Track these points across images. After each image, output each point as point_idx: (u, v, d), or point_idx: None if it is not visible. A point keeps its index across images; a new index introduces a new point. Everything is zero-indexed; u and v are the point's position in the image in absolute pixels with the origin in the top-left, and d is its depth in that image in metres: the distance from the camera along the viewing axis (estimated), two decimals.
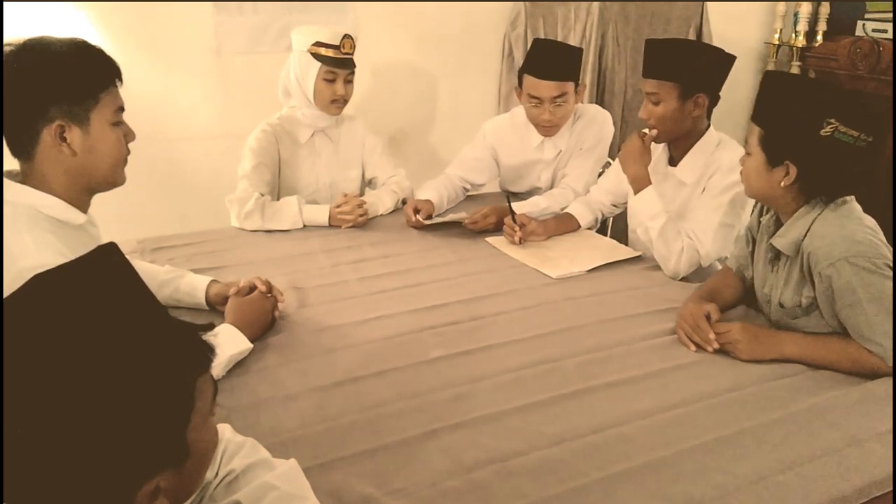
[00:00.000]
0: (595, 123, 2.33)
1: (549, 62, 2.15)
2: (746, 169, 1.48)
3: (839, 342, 1.39)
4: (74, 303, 0.61)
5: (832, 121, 1.30)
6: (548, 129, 2.26)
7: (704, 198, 1.86)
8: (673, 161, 1.95)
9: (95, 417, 0.58)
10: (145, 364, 0.61)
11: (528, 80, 2.18)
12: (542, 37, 3.01)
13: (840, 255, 1.33)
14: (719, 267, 1.89)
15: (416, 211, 2.14)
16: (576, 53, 2.22)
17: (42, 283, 0.62)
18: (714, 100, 1.86)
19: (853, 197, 1.43)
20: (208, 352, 0.69)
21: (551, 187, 2.40)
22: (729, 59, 1.85)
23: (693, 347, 1.45)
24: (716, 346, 1.43)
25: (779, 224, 1.50)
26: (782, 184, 1.40)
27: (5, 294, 1.15)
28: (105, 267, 0.65)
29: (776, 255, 1.49)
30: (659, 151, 1.99)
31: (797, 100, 1.35)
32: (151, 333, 0.64)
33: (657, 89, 1.82)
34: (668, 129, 1.86)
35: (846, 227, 1.36)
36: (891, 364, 1.32)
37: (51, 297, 0.61)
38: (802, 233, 1.40)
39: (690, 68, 1.80)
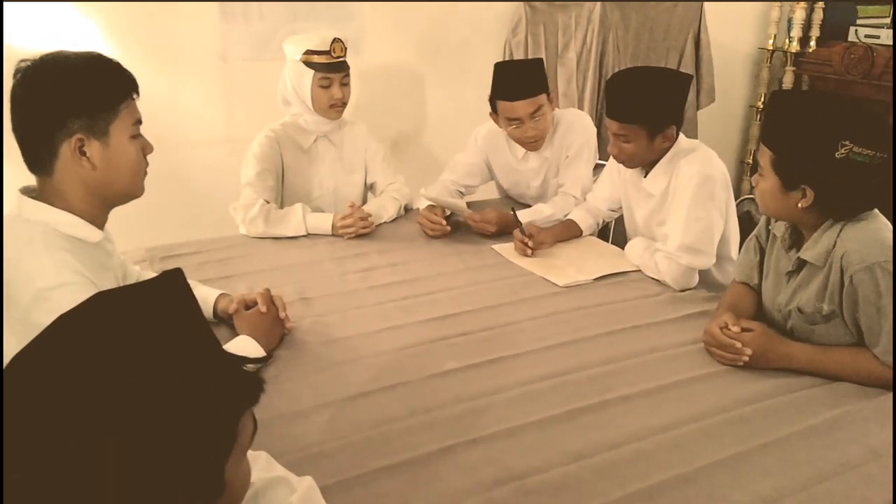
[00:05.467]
0: (575, 128, 2.35)
1: (516, 83, 2.17)
2: (760, 191, 1.45)
3: (849, 353, 1.39)
4: (130, 327, 0.60)
5: (846, 143, 1.28)
6: (535, 143, 2.29)
7: (671, 207, 1.88)
8: (646, 174, 1.97)
9: (139, 446, 0.57)
10: (195, 396, 0.60)
11: (503, 105, 2.20)
12: (542, 43, 3.05)
13: (875, 258, 1.32)
14: (728, 269, 1.91)
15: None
16: (538, 66, 2.25)
17: (100, 303, 0.61)
18: (680, 122, 1.86)
19: None
20: (257, 387, 0.68)
21: (542, 194, 2.42)
22: (688, 80, 1.87)
23: (728, 362, 1.44)
24: (745, 357, 1.41)
25: (796, 235, 1.49)
26: (800, 205, 1.38)
27: (21, 315, 1.14)
28: (166, 293, 0.64)
29: (797, 268, 1.47)
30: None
31: (808, 122, 1.33)
32: (205, 365, 0.63)
33: (625, 131, 1.82)
34: (639, 161, 1.90)
35: (878, 231, 1.36)
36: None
37: (107, 318, 0.60)
38: (832, 241, 1.38)
39: (656, 108, 1.79)
